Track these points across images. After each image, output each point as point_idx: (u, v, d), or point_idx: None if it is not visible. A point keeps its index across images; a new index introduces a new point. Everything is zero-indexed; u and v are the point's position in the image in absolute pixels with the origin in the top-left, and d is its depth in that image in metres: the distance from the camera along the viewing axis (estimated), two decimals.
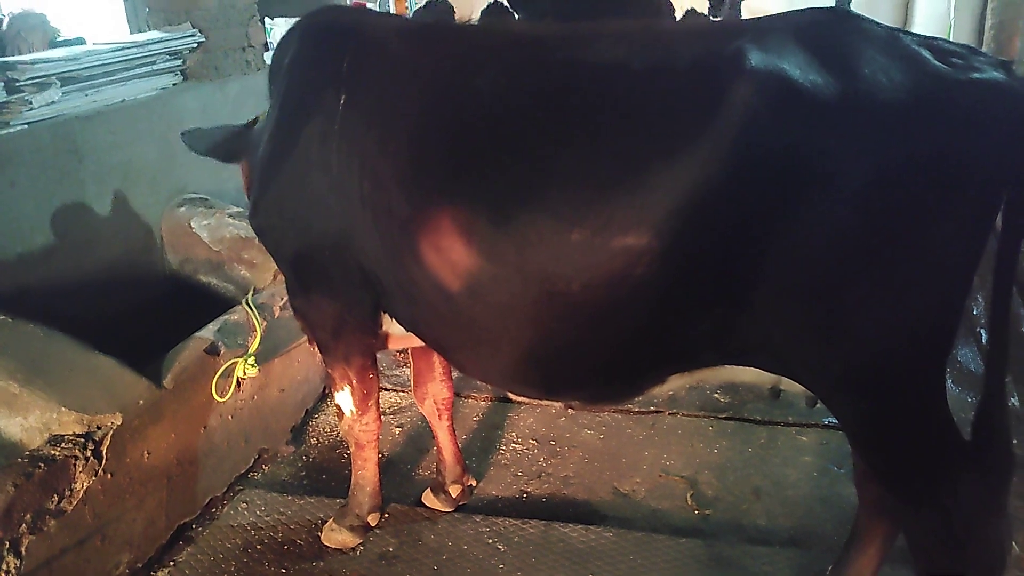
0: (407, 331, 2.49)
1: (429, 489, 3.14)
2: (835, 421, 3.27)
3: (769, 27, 1.90)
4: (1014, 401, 3.65)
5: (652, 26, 2.42)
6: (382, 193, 2.18)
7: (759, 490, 3.21)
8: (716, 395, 3.80)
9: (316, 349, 2.77)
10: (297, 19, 2.60)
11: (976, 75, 1.76)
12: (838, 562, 2.49)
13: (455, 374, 3.07)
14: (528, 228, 1.95)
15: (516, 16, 4.08)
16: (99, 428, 2.60)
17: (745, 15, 4.12)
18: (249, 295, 3.26)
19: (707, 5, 4.02)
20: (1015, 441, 3.32)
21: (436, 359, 2.99)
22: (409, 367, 3.10)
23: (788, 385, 2.18)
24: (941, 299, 1.86)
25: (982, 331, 4.04)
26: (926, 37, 1.89)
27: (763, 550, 2.84)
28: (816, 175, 1.74)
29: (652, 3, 3.94)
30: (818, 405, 2.20)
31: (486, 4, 4.17)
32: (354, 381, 2.71)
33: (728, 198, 1.79)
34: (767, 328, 1.91)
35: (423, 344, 2.56)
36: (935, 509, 1.98)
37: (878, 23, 1.88)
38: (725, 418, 3.66)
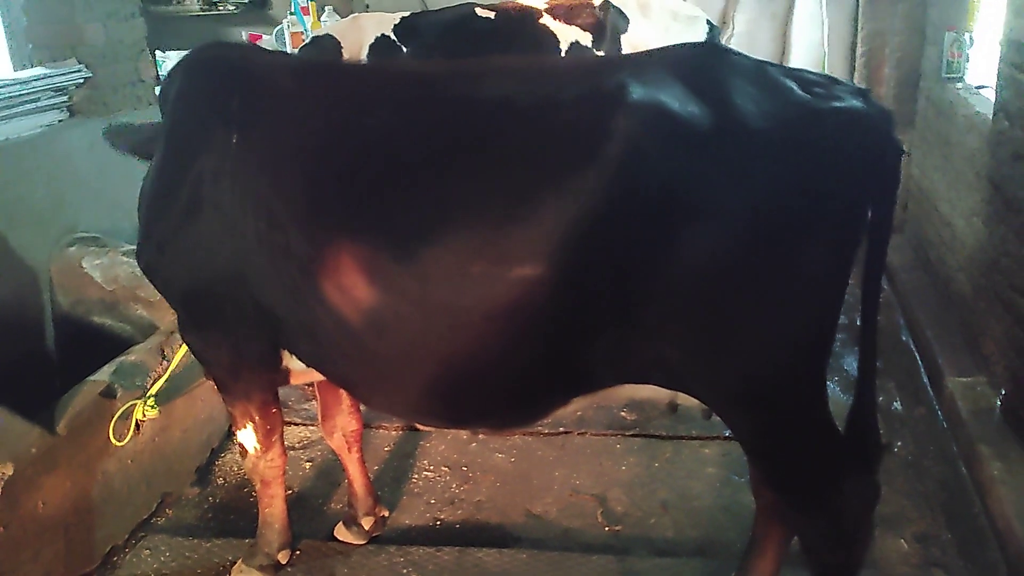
0: (309, 368, 2.48)
1: (341, 522, 3.11)
2: None
3: (646, 62, 2.00)
4: (897, 405, 3.87)
5: (536, 62, 2.51)
6: (279, 233, 2.17)
7: (666, 503, 3.29)
8: (623, 413, 3.88)
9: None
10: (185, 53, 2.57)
11: (836, 103, 1.90)
12: (740, 568, 2.59)
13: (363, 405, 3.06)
14: (429, 263, 1.98)
15: (404, 50, 4.15)
16: None
17: (625, 48, 4.28)
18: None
19: (590, 39, 4.18)
20: (899, 443, 3.56)
21: (343, 392, 2.98)
22: (317, 400, 3.08)
23: (684, 399, 2.27)
24: (817, 311, 1.99)
25: None
26: (791, 69, 2.03)
27: (671, 561, 2.92)
28: (695, 200, 1.83)
29: (536, 37, 4.07)
30: (714, 417, 2.30)
31: (373, 39, 4.22)
32: (256, 418, 2.66)
33: (615, 226, 1.86)
34: (661, 348, 1.99)
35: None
36: (824, 512, 2.11)
37: (746, 56, 2.00)
38: (632, 435, 3.73)
